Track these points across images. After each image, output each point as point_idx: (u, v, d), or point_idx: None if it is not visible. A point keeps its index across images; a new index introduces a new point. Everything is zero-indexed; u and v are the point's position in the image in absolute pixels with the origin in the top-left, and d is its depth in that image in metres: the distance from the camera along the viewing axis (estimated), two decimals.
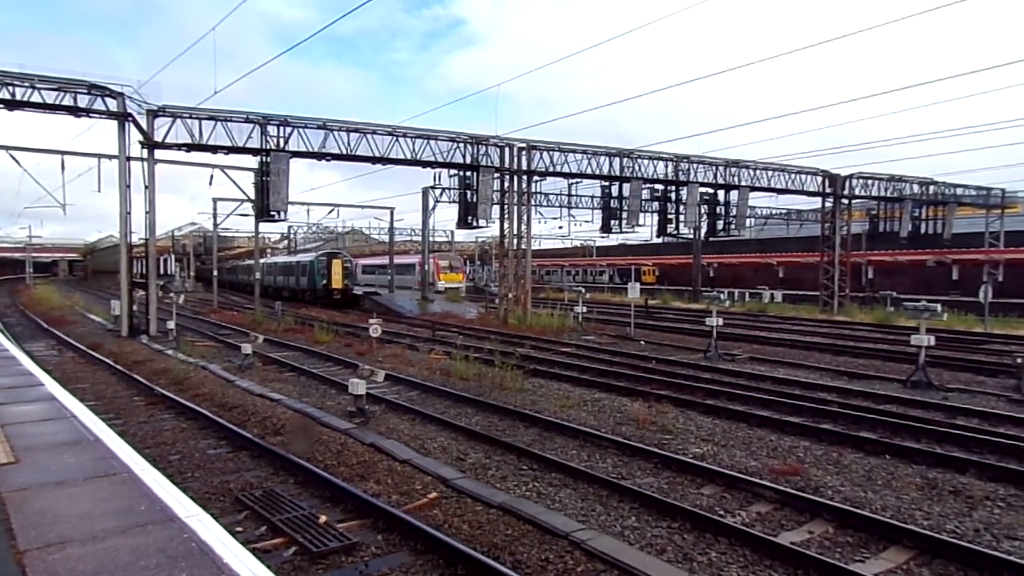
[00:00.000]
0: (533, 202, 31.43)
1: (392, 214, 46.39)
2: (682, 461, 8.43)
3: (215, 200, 37.61)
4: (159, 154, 23.76)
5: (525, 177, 29.32)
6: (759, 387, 14.10)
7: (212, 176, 28.63)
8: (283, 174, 24.68)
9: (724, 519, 6.58)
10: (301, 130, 25.10)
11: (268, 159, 24.75)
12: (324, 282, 41.63)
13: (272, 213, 25.54)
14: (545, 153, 29.24)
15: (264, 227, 46.59)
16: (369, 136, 25.94)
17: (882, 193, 34.60)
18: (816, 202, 36.11)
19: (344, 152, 25.58)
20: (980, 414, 11.60)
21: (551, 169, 29.60)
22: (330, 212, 47.35)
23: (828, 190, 33.63)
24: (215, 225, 39.89)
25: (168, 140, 23.32)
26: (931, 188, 35.41)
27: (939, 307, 14.96)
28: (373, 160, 26.36)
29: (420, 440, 9.43)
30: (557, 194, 36.31)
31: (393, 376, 14.23)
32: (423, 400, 12.53)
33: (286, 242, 67.85)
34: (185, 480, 7.46)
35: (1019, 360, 13.55)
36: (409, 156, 26.67)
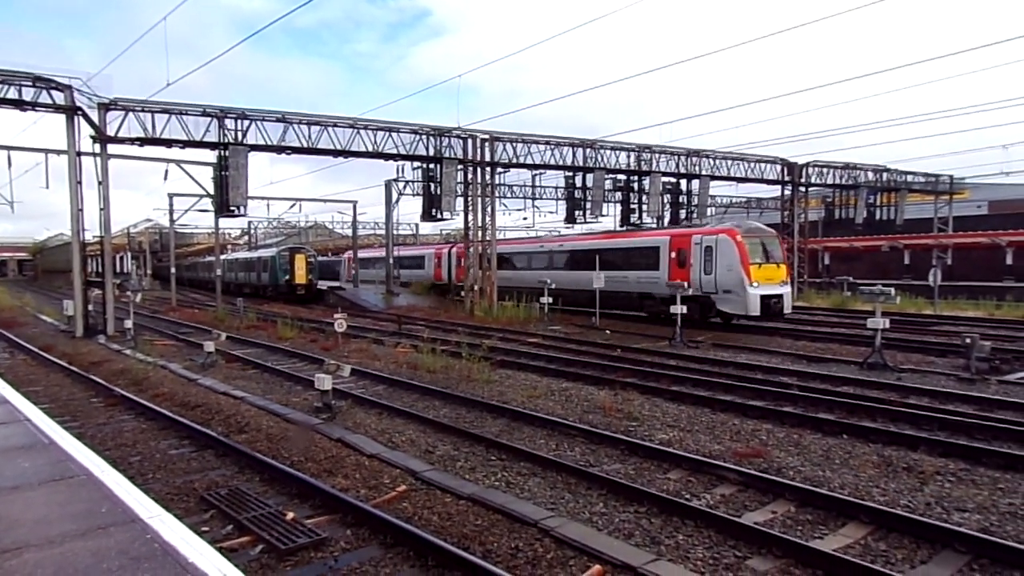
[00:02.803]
0: (497, 193, 31.42)
1: (355, 208, 45.92)
2: (649, 447, 8.55)
3: (171, 196, 36.77)
4: (112, 149, 23.09)
5: (489, 169, 29.27)
6: (722, 372, 14.37)
7: (167, 171, 27.98)
8: (242, 168, 24.22)
9: (690, 502, 6.70)
10: (260, 123, 24.65)
11: (226, 153, 24.24)
12: (287, 277, 41.02)
13: (232, 208, 25.07)
14: (508, 144, 29.21)
15: (224, 223, 45.18)
16: (330, 129, 25.58)
17: (838, 181, 35.43)
18: (775, 190, 36.80)
19: (305, 145, 25.20)
20: (931, 393, 12.01)
21: (515, 160, 29.59)
22: (292, 207, 46.72)
23: (786, 178, 34.30)
24: (172, 221, 38.95)
25: (121, 134, 22.67)
26: (884, 175, 36.39)
27: (892, 291, 15.41)
28: (334, 153, 26.03)
29: (388, 434, 9.39)
30: (521, 185, 36.44)
31: (359, 371, 14.12)
32: (390, 394, 12.46)
33: (247, 238, 66.61)
34: (147, 481, 7.31)
35: (967, 340, 14.04)
36: (371, 149, 26.40)
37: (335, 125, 25.69)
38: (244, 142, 24.38)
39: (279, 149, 25.11)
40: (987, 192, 37.88)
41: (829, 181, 35.38)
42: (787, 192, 34.87)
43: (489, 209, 30.03)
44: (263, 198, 45.41)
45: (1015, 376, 13.77)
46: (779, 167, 34.00)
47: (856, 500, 6.64)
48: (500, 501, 6.49)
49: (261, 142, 24.73)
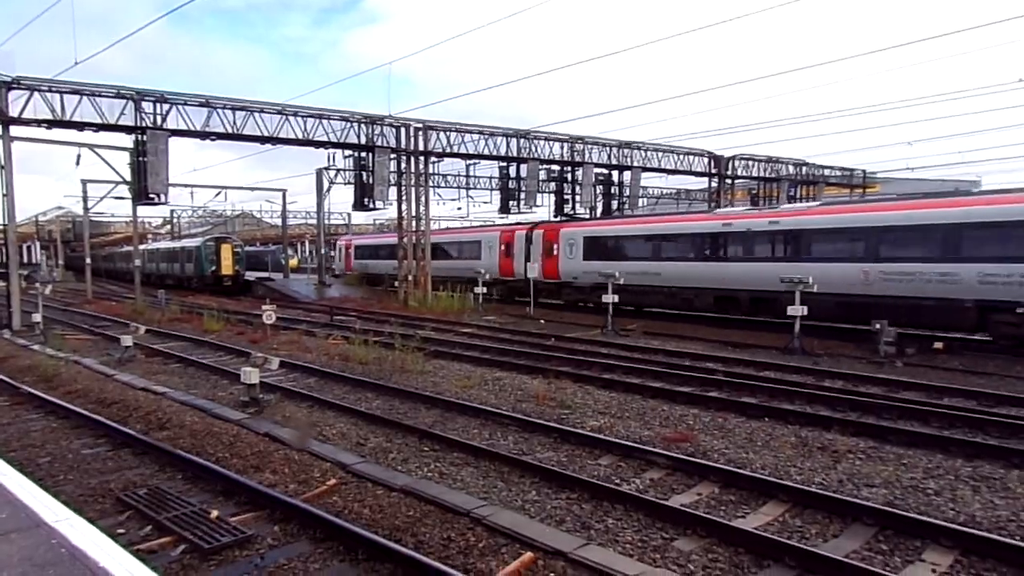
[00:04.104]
0: (431, 183, 31.15)
1: (284, 196, 44.68)
2: (580, 434, 8.68)
3: (84, 182, 34.82)
4: (16, 131, 21.64)
5: (422, 158, 28.95)
6: (652, 360, 14.74)
7: (80, 155, 26.48)
8: (162, 154, 23.13)
9: (620, 487, 6.84)
10: (181, 107, 23.59)
11: (145, 138, 23.08)
12: (213, 268, 39.56)
13: (151, 196, 23.92)
14: (442, 133, 28.96)
15: (144, 211, 43.07)
16: (257, 115, 24.73)
17: (761, 173, 36.75)
18: (703, 182, 37.84)
19: (230, 131, 24.28)
20: (845, 376, 12.68)
21: (448, 150, 29.37)
22: (217, 195, 45.02)
23: (713, 171, 35.34)
24: (85, 209, 36.89)
25: (26, 115, 21.26)
26: (804, 169, 37.97)
27: (811, 279, 16.12)
28: (261, 140, 25.21)
29: (318, 427, 9.20)
30: (455, 175, 36.25)
31: (289, 363, 13.78)
32: (321, 386, 12.21)
33: (169, 227, 63.80)
34: (57, 483, 6.92)
35: (877, 326, 14.86)
36: (300, 136, 25.69)
37: (262, 111, 24.85)
38: (164, 127, 23.27)
39: (202, 135, 24.10)
40: (895, 186, 39.88)
41: (754, 174, 36.66)
42: (714, 184, 35.94)
43: (423, 199, 29.72)
44: (186, 185, 43.62)
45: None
46: (706, 159, 35.00)
47: (775, 480, 6.94)
48: (433, 492, 6.46)
49: (183, 127, 23.68)
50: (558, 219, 31.32)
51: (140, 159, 23.36)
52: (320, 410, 10.33)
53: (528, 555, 5.15)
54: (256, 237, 71.98)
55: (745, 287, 19.75)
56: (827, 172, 39.29)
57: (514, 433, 9.03)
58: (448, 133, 29.02)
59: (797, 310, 16.02)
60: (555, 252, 26.75)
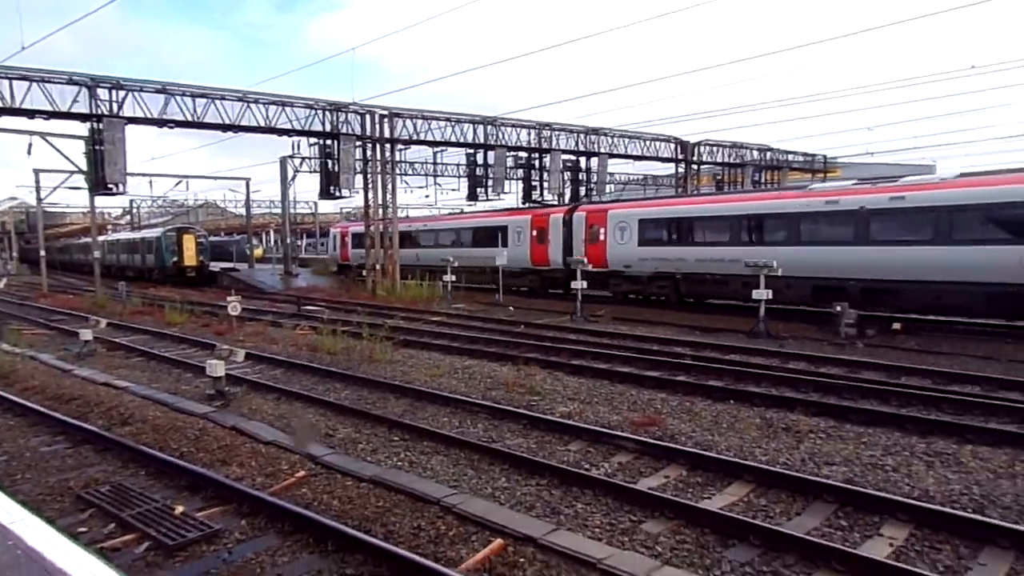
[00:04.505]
0: (398, 171, 30.86)
1: (248, 185, 43.87)
2: (550, 420, 8.74)
3: (37, 172, 33.73)
4: None
5: (388, 145, 28.64)
6: (621, 345, 14.87)
7: (31, 144, 25.63)
8: (119, 142, 22.51)
9: (589, 472, 6.91)
10: (138, 94, 22.96)
11: (100, 125, 22.42)
12: (175, 259, 38.76)
13: (109, 186, 23.28)
14: (408, 121, 28.68)
15: (102, 201, 41.97)
16: (217, 102, 24.18)
17: (727, 159, 37.19)
18: (670, 167, 38.14)
19: (189, 119, 23.71)
20: (808, 358, 12.96)
21: (415, 137, 29.11)
22: (178, 184, 44.05)
23: (679, 156, 35.63)
24: (39, 200, 35.78)
25: None
26: (768, 154, 38.51)
27: (775, 263, 16.41)
28: (223, 128, 24.67)
29: (286, 419, 9.11)
30: (422, 162, 35.98)
31: (255, 355, 13.58)
32: (288, 377, 12.07)
33: (129, 217, 62.23)
34: (14, 483, 6.74)
35: (838, 308, 15.20)
36: (263, 123, 25.21)
37: (223, 98, 24.30)
38: (120, 114, 22.63)
39: (160, 122, 23.50)
40: (855, 170, 40.56)
41: (719, 159, 37.07)
42: (680, 169, 36.25)
43: (390, 187, 29.44)
44: (146, 175, 42.69)
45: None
46: (673, 145, 35.27)
47: (740, 461, 7.07)
48: (402, 481, 6.45)
49: (140, 114, 23.05)
50: (603, 200, 29.15)
51: (96, 148, 22.70)
52: (288, 401, 10.22)
53: (498, 542, 5.18)
54: (220, 227, 70.60)
55: (855, 276, 16.78)
56: (790, 157, 39.91)
57: (484, 421, 9.05)
58: (415, 120, 28.76)
59: (762, 294, 16.30)
60: (601, 237, 23.50)
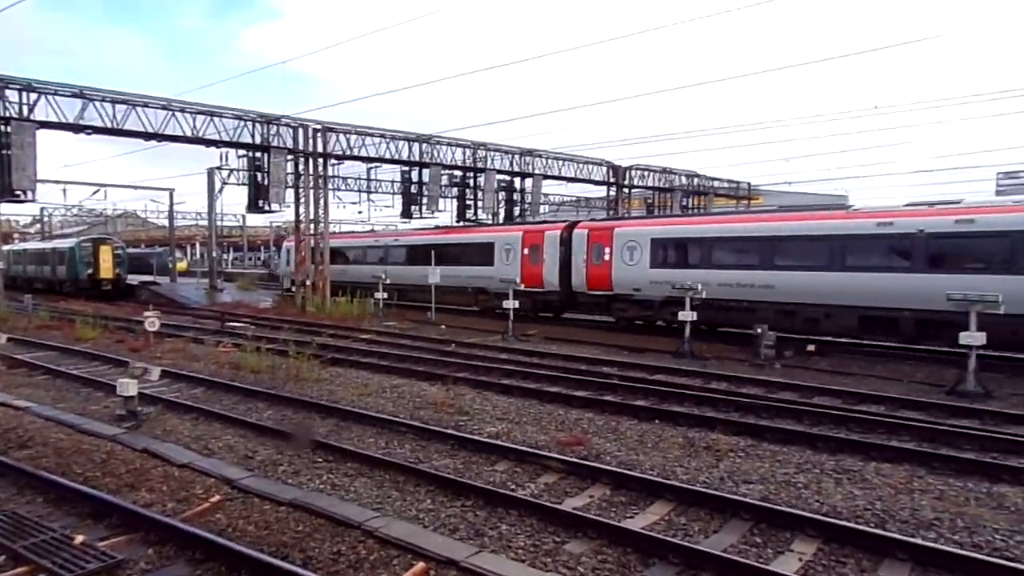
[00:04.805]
0: (331, 186, 30.39)
1: (171, 196, 42.25)
2: (477, 440, 8.71)
3: None
4: None
5: (321, 160, 28.18)
6: (551, 365, 15.01)
7: None
8: (29, 147, 21.30)
9: (514, 493, 6.92)
10: (51, 97, 21.83)
11: (8, 129, 21.16)
12: (90, 271, 36.81)
13: (16, 192, 21.93)
14: (342, 136, 28.33)
15: (8, 209, 39.50)
16: (140, 109, 23.26)
17: (657, 183, 38.30)
18: (602, 190, 38.96)
19: (109, 125, 22.69)
20: (729, 378, 13.40)
21: (349, 152, 28.76)
22: (95, 192, 42.02)
23: (611, 179, 36.48)
24: None
25: None
26: (696, 180, 39.90)
27: (699, 286, 16.97)
28: (145, 136, 23.74)
29: (203, 440, 8.74)
30: (356, 178, 35.54)
31: (173, 373, 13.01)
32: (208, 397, 11.61)
33: (39, 226, 58.79)
34: None
35: (758, 330, 15.82)
36: (189, 133, 24.37)
37: (146, 105, 23.40)
38: (31, 118, 21.45)
39: (76, 128, 22.40)
40: (775, 198, 42.70)
41: (649, 183, 38.14)
42: (612, 192, 37.10)
43: (322, 202, 28.92)
44: (59, 182, 40.50)
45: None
46: (605, 169, 36.08)
47: (663, 480, 7.22)
48: (323, 505, 6.28)
49: (53, 118, 21.90)
50: (606, 217, 26.53)
51: (3, 152, 21.38)
52: (206, 422, 9.81)
53: (420, 565, 5.11)
54: (141, 238, 67.65)
55: (910, 306, 15.31)
56: (716, 184, 41.45)
57: (411, 441, 8.93)
58: (348, 135, 28.42)
59: (688, 315, 16.81)
60: (606, 257, 21.63)
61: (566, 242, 23.33)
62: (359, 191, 36.52)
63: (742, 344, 17.50)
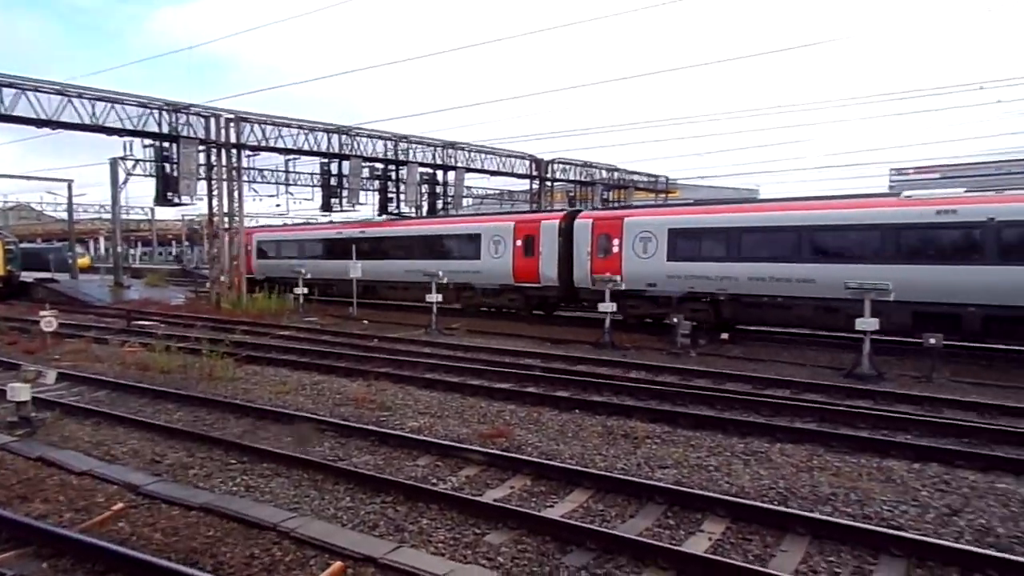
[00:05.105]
0: (246, 178, 29.26)
1: (71, 187, 39.69)
2: (399, 436, 8.64)
3: None
4: None
5: (235, 151, 27.10)
6: (474, 358, 15.02)
7: None
8: None
9: (436, 487, 6.90)
10: None
11: None
12: None
13: None
14: (257, 126, 27.32)
15: None
16: (31, 93, 21.67)
17: (578, 177, 38.90)
18: (525, 183, 39.23)
19: None
20: (647, 367, 13.81)
21: (264, 143, 27.78)
22: None
23: (534, 173, 36.78)
24: None
25: None
26: (616, 174, 40.76)
27: (619, 277, 17.39)
28: (37, 123, 22.17)
29: (105, 446, 8.29)
30: (273, 170, 34.33)
31: (73, 375, 12.28)
32: (112, 400, 11.01)
33: None
34: None
35: (674, 320, 16.36)
36: (88, 121, 22.89)
37: (37, 89, 21.82)
38: None
39: None
40: (691, 192, 44.21)
41: (571, 177, 38.68)
42: (535, 186, 37.42)
43: (236, 194, 27.84)
44: None
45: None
46: (528, 162, 36.34)
47: (582, 468, 7.38)
48: (237, 508, 6.09)
49: None
50: (614, 206, 24.08)
51: None
52: (109, 426, 9.30)
53: (337, 564, 5.03)
54: (37, 233, 63.33)
55: (975, 301, 14.41)
56: (636, 177, 42.47)
57: (331, 439, 8.76)
58: (264, 126, 27.44)
59: (608, 307, 17.19)
60: (615, 250, 19.90)
61: (565, 233, 21.53)
62: (276, 183, 35.33)
63: (661, 334, 18.06)
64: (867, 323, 13.09)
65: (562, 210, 24.95)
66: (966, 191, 15.98)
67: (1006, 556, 5.17)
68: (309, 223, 32.30)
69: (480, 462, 7.75)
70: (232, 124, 26.61)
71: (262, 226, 35.46)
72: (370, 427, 9.01)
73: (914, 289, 14.65)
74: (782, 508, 6.23)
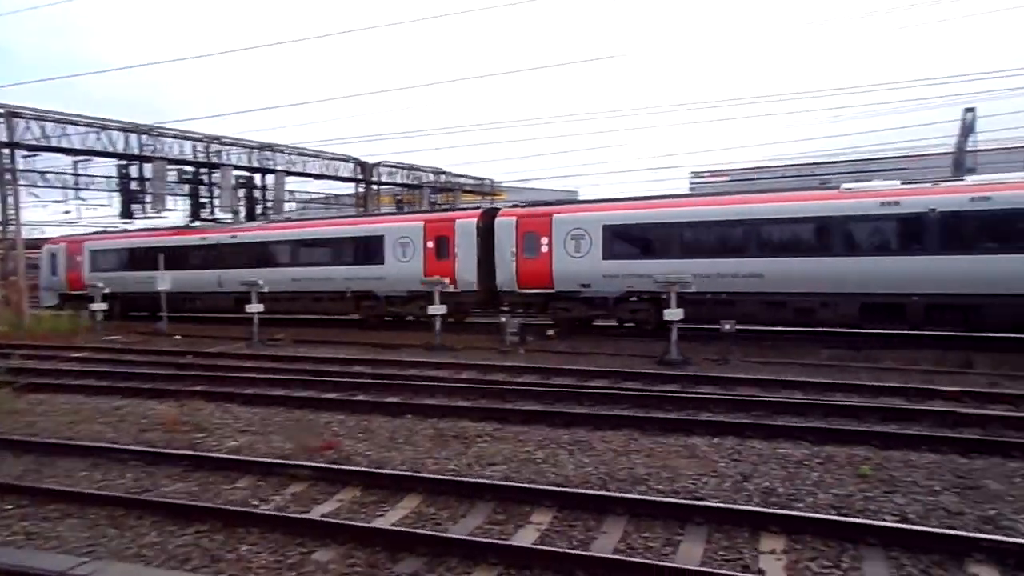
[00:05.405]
0: (24, 181, 25.70)
1: None
2: (216, 458, 8.03)
3: None
4: None
5: (7, 151, 23.66)
6: (300, 369, 14.40)
7: None
8: None
9: (257, 509, 6.50)
10: None
11: None
12: None
13: None
14: (35, 123, 24.07)
15: None
16: None
17: (405, 180, 38.69)
18: (351, 187, 38.28)
19: None
20: (478, 367, 14.06)
21: (46, 142, 24.55)
22: None
23: (360, 176, 36.01)
24: None
25: None
26: (443, 177, 41.08)
27: (446, 280, 17.54)
28: None
29: None
30: (59, 172, 30.49)
31: None
32: None
33: None
34: None
35: (503, 320, 16.83)
36: None
37: None
38: None
39: None
40: (516, 194, 45.77)
41: (398, 180, 38.38)
42: (361, 189, 36.65)
43: (11, 200, 24.32)
44: None
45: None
46: (352, 165, 35.50)
47: (413, 473, 7.32)
48: (13, 561, 5.29)
49: None
50: (541, 203, 21.56)
51: None
52: None
53: None
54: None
55: (920, 291, 14.65)
56: (463, 180, 43.08)
57: (135, 469, 7.93)
58: (44, 123, 24.25)
59: (437, 309, 17.25)
60: (544, 249, 18.74)
61: (484, 233, 20.02)
62: (65, 187, 31.37)
63: (491, 333, 18.45)
64: (674, 313, 14.32)
65: (477, 207, 23.65)
66: (902, 183, 16.33)
67: (785, 512, 5.90)
68: (158, 229, 27.66)
69: (307, 478, 7.41)
70: (4, 120, 23.21)
71: (95, 233, 30.20)
72: (182, 452, 8.28)
73: (862, 280, 15.14)
74: (603, 492, 6.61)
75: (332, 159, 34.31)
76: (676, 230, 17.44)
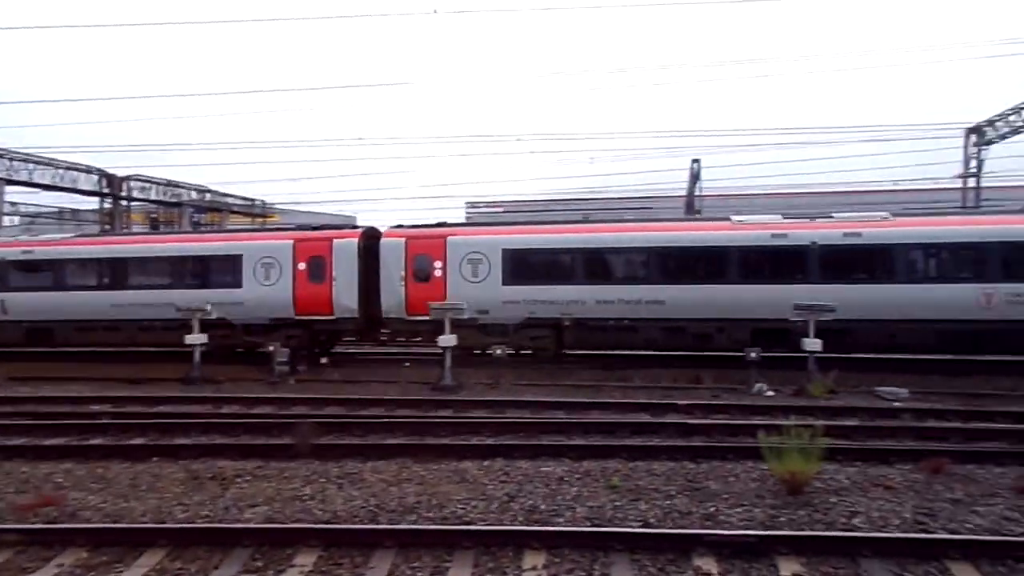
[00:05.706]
0: None
1: None
2: None
3: None
4: None
5: None
6: (16, 411, 12.17)
7: None
8: None
9: None
10: None
11: None
12: None
13: None
14: None
15: None
16: None
17: (162, 197, 35.03)
18: (94, 202, 33.65)
19: None
20: (242, 400, 13.05)
21: None
22: None
23: (106, 190, 31.86)
24: None
25: None
26: (207, 195, 37.90)
27: (209, 306, 16.12)
28: None
29: None
30: None
31: None
32: None
33: None
34: None
35: (271, 348, 15.87)
36: None
37: None
38: None
39: None
40: (290, 217, 43.62)
41: (153, 196, 34.63)
42: (108, 204, 32.42)
43: None
44: None
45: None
46: (96, 177, 31.28)
47: (156, 525, 6.52)
48: None
49: None
50: (431, 224, 19.28)
51: None
52: None
53: None
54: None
55: (793, 318, 15.03)
56: (230, 200, 40.12)
57: None
58: None
59: (195, 338, 15.74)
60: (436, 273, 17.50)
61: (366, 254, 18.26)
62: None
63: (260, 364, 17.23)
64: (447, 340, 14.63)
65: (355, 227, 21.80)
66: (783, 216, 17.51)
67: (545, 528, 6.23)
68: None
69: (15, 542, 6.22)
70: None
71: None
72: None
73: (753, 306, 15.97)
74: (372, 525, 6.44)
75: (70, 169, 29.90)
76: (581, 256, 17.30)
